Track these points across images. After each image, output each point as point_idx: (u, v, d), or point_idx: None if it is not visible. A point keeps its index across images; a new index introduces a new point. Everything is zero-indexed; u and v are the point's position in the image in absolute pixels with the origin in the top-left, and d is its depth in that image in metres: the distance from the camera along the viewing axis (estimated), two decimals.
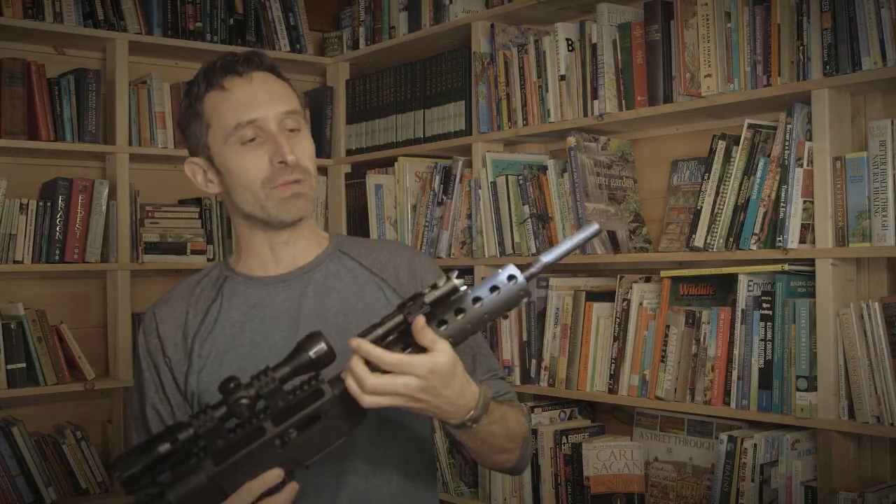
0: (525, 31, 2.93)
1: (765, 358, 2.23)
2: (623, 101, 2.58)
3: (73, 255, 3.07)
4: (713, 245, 2.35)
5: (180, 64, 3.45)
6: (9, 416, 3.01)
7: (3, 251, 2.95)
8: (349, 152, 3.54)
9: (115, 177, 3.15)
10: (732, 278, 2.33)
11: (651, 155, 2.77)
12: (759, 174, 2.27)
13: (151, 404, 1.47)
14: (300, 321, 1.44)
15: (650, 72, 2.50)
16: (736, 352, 2.28)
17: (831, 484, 2.13)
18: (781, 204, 2.22)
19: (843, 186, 2.13)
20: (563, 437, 2.68)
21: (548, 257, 1.21)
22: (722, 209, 2.34)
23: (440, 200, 3.09)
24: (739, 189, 2.32)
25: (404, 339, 1.19)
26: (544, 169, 2.77)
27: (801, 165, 2.20)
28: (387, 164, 3.35)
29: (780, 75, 2.24)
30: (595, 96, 2.62)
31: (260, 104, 1.43)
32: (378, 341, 1.18)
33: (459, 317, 1.19)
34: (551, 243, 2.72)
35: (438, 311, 1.19)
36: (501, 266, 1.21)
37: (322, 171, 3.54)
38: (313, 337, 1.20)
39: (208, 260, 3.35)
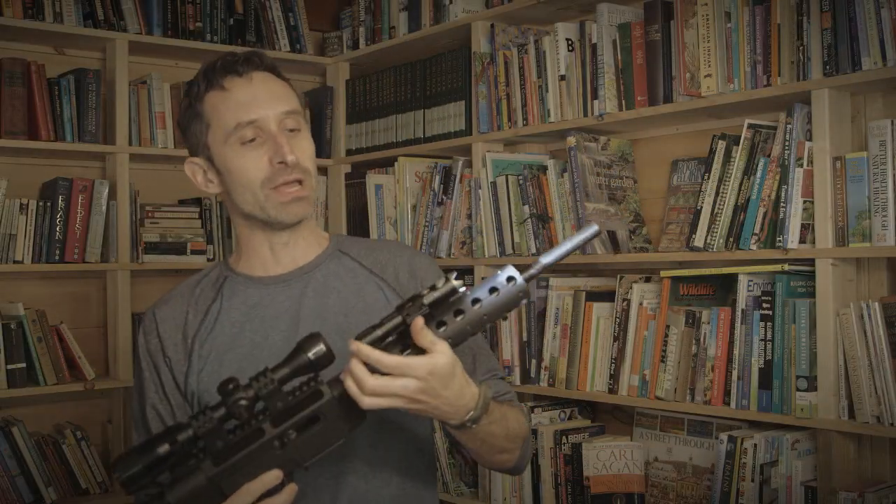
0: (525, 31, 2.93)
1: (765, 358, 2.23)
2: (623, 101, 2.58)
3: (73, 255, 3.07)
4: (713, 245, 2.35)
5: (180, 64, 3.45)
6: (9, 416, 3.01)
7: (3, 251, 2.95)
8: (349, 152, 3.54)
9: (115, 177, 3.15)
10: (732, 278, 2.33)
11: (651, 155, 2.77)
12: (759, 174, 2.27)
13: (151, 404, 1.47)
14: (300, 321, 1.44)
15: (650, 72, 2.50)
16: (736, 352, 2.28)
17: (831, 484, 2.13)
18: (781, 204, 2.22)
19: (843, 186, 2.13)
20: (563, 437, 2.68)
21: (547, 259, 1.21)
22: (722, 209, 2.34)
23: (440, 200, 3.09)
24: (739, 189, 2.32)
25: (403, 341, 1.19)
26: (544, 169, 2.77)
27: (801, 165, 2.20)
28: (387, 164, 3.35)
29: (780, 75, 2.24)
30: (595, 96, 2.62)
31: (260, 104, 1.43)
32: (377, 342, 1.18)
33: (458, 318, 1.18)
34: (551, 243, 2.72)
35: (437, 313, 1.19)
36: (501, 267, 1.20)
37: (322, 171, 3.54)
38: (312, 338, 1.20)
39: (208, 260, 3.35)
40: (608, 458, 2.58)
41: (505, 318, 2.81)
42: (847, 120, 2.22)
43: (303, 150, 1.45)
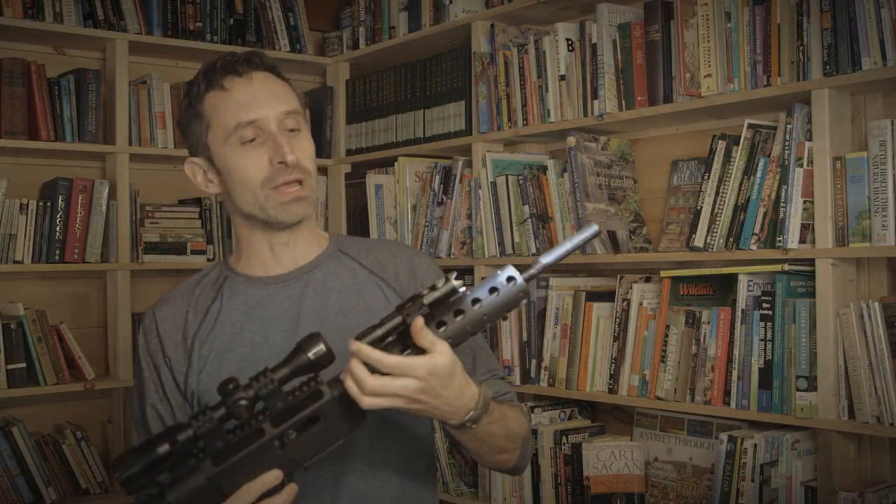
0: (525, 31, 2.93)
1: (765, 358, 2.23)
2: (623, 101, 2.58)
3: (73, 255, 3.07)
4: (713, 245, 2.35)
5: (180, 64, 3.45)
6: (9, 416, 3.01)
7: (3, 251, 2.95)
8: (349, 152, 3.54)
9: (115, 177, 3.15)
10: (732, 278, 2.33)
11: (651, 155, 2.77)
12: (759, 174, 2.27)
13: (151, 404, 1.47)
14: (300, 321, 1.44)
15: (650, 72, 2.50)
16: (736, 352, 2.28)
17: (831, 484, 2.13)
18: (781, 204, 2.22)
19: (843, 186, 2.13)
20: (563, 437, 2.68)
21: (547, 259, 1.21)
22: (722, 209, 2.34)
23: (440, 200, 3.09)
24: (739, 189, 2.32)
25: (403, 341, 1.19)
26: (544, 169, 2.77)
27: (801, 165, 2.20)
28: (387, 164, 3.35)
29: (780, 75, 2.24)
30: (595, 96, 2.62)
31: (260, 104, 1.43)
32: (377, 343, 1.18)
33: (458, 318, 1.18)
34: (551, 243, 2.72)
35: (437, 313, 1.19)
36: (501, 267, 1.20)
37: (322, 171, 3.54)
38: (312, 338, 1.20)
39: (208, 260, 3.35)
40: (608, 458, 2.58)
41: (505, 318, 2.81)
42: (847, 120, 2.22)
43: (303, 150, 1.45)
